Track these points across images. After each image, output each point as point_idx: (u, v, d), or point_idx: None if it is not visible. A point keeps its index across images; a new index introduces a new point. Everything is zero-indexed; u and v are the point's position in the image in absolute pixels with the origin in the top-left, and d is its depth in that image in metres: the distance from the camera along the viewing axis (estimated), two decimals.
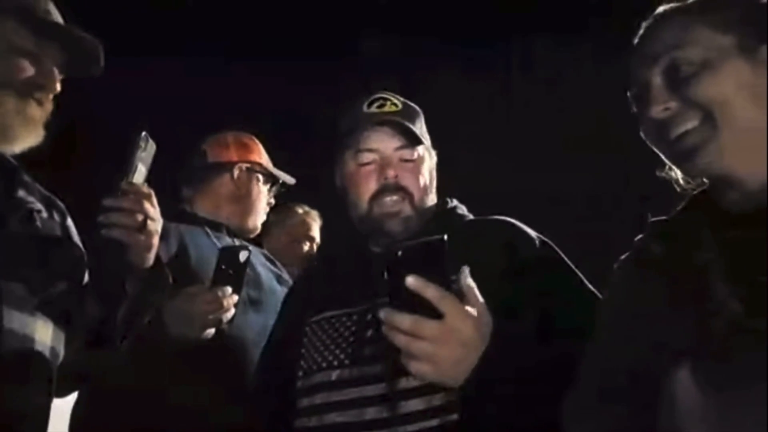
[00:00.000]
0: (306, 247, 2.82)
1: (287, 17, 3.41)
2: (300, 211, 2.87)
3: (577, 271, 1.36)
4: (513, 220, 1.43)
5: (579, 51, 3.33)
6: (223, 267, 1.56)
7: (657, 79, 0.97)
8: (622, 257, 1.09)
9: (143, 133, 1.27)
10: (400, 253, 1.00)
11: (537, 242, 1.38)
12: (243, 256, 1.57)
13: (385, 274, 1.01)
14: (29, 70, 1.24)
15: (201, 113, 3.07)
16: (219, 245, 1.82)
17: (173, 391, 1.56)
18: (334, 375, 1.30)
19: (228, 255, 1.58)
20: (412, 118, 1.48)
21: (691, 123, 0.93)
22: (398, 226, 1.41)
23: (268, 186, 2.12)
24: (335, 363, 1.32)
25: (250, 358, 1.68)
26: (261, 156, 2.13)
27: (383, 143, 1.44)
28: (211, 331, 1.53)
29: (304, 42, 3.44)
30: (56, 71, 1.29)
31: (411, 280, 0.96)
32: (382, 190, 1.41)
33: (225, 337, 1.59)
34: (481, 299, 1.03)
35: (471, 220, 1.49)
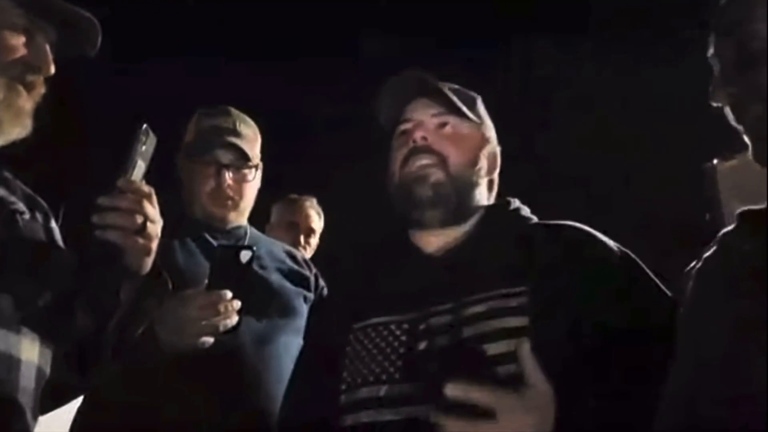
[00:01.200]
0: (303, 237, 2.74)
1: (288, 17, 3.41)
2: (299, 200, 2.81)
3: (660, 284, 1.22)
4: (587, 228, 1.29)
5: (579, 51, 3.32)
6: (221, 268, 1.38)
7: (727, 52, 0.93)
8: (704, 255, 0.99)
9: (143, 126, 1.14)
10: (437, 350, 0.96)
11: (617, 252, 1.25)
12: (245, 256, 1.37)
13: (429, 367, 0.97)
14: (21, 50, 1.12)
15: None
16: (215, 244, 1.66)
17: (165, 403, 1.41)
18: (383, 391, 1.16)
19: (226, 255, 1.39)
20: (461, 96, 1.35)
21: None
22: (428, 190, 1.26)
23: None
24: (384, 377, 1.17)
25: (247, 367, 1.53)
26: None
27: (420, 110, 1.33)
28: (208, 339, 1.33)
29: (304, 42, 3.43)
30: (49, 50, 1.17)
31: (451, 391, 0.89)
32: (411, 153, 1.29)
33: (219, 346, 1.37)
34: (538, 373, 0.97)
35: (538, 224, 1.34)
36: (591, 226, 1.29)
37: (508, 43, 3.57)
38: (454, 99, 1.30)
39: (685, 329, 0.96)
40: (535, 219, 1.35)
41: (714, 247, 0.98)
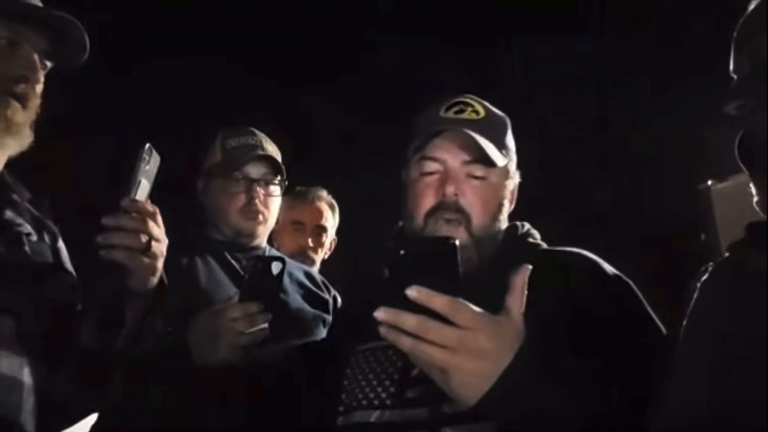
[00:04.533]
0: (312, 238, 2.36)
1: (289, 16, 3.41)
2: (311, 194, 2.42)
3: (654, 316, 1.20)
4: (592, 256, 1.27)
5: (580, 51, 3.32)
6: (253, 280, 1.36)
7: (741, 66, 0.92)
8: (712, 267, 0.96)
9: (147, 145, 1.12)
10: (403, 252, 0.89)
11: (616, 282, 1.23)
12: (276, 267, 1.36)
13: (386, 272, 0.90)
14: (5, 60, 1.09)
15: (201, 113, 3.07)
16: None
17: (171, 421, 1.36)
18: (374, 416, 1.16)
19: (258, 267, 1.37)
20: (493, 131, 1.29)
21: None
22: None
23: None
24: (376, 402, 1.16)
25: (257, 389, 1.45)
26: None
27: (450, 154, 1.26)
28: (239, 353, 1.32)
29: (305, 41, 3.43)
30: (37, 59, 1.13)
31: (413, 293, 0.85)
32: (439, 207, 1.25)
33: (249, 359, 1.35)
34: (517, 310, 0.91)
35: (546, 251, 1.31)
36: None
37: (508, 43, 3.56)
38: (485, 147, 1.25)
39: (687, 341, 0.95)
40: (543, 244, 1.33)
41: (722, 260, 0.96)
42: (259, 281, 1.35)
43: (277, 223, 2.00)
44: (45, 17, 1.14)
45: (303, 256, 2.30)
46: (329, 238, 2.45)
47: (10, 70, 1.10)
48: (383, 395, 1.17)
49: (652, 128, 2.83)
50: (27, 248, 1.11)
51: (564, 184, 3.05)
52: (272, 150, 1.81)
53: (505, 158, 1.31)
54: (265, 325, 1.33)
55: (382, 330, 0.88)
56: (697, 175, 2.74)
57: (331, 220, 2.45)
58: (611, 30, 3.11)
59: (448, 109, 1.31)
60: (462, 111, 1.31)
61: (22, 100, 1.12)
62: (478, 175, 1.27)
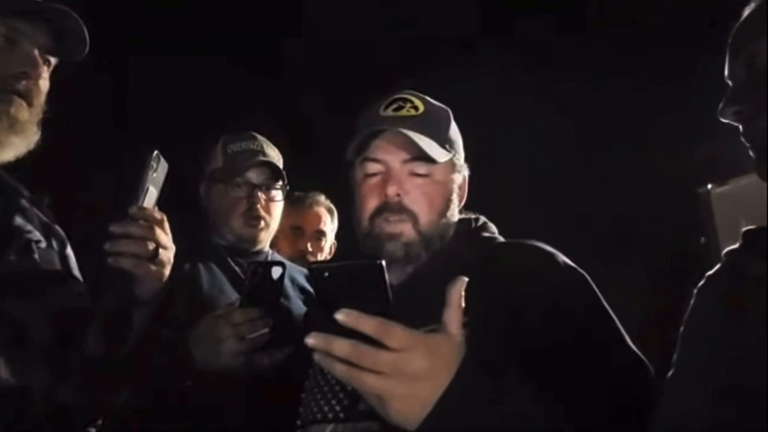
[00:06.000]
0: (311, 243, 2.35)
1: (289, 16, 3.41)
2: (309, 199, 2.41)
3: (608, 310, 1.18)
4: (546, 247, 1.25)
5: (580, 51, 3.32)
6: (253, 285, 1.34)
7: (737, 72, 0.92)
8: (708, 273, 0.96)
9: (155, 153, 1.12)
10: (327, 274, 0.84)
11: (569, 274, 1.21)
12: (276, 272, 1.35)
13: (314, 295, 0.87)
14: (3, 58, 1.07)
15: (201, 114, 3.07)
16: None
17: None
18: (328, 430, 1.14)
19: (258, 272, 1.36)
20: (433, 126, 1.27)
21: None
22: (399, 249, 1.23)
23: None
24: (330, 416, 1.14)
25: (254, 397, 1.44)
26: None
27: (391, 154, 1.25)
28: (242, 358, 1.32)
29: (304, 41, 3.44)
30: (38, 55, 1.11)
31: (341, 317, 0.81)
32: (383, 209, 1.24)
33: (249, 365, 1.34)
34: (455, 325, 0.87)
35: (500, 243, 1.29)
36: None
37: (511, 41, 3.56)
38: (424, 145, 1.23)
39: (684, 346, 0.95)
40: (499, 238, 1.31)
41: (718, 266, 0.96)
42: (260, 286, 1.34)
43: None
44: (42, 11, 1.12)
45: (302, 261, 2.28)
46: (328, 242, 2.45)
47: (11, 67, 1.09)
48: (337, 408, 1.15)
49: (653, 129, 2.84)
50: (36, 256, 1.10)
51: (563, 184, 3.06)
52: (273, 155, 1.81)
53: (449, 152, 1.28)
54: (266, 330, 1.33)
55: (316, 356, 0.84)
56: (697, 178, 2.75)
57: (330, 225, 2.44)
58: (611, 30, 3.12)
59: (387, 107, 1.29)
60: (400, 108, 1.29)
61: (26, 97, 1.10)
62: (421, 173, 1.25)
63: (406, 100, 1.30)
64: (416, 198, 1.24)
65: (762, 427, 0.78)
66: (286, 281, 1.53)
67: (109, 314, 1.13)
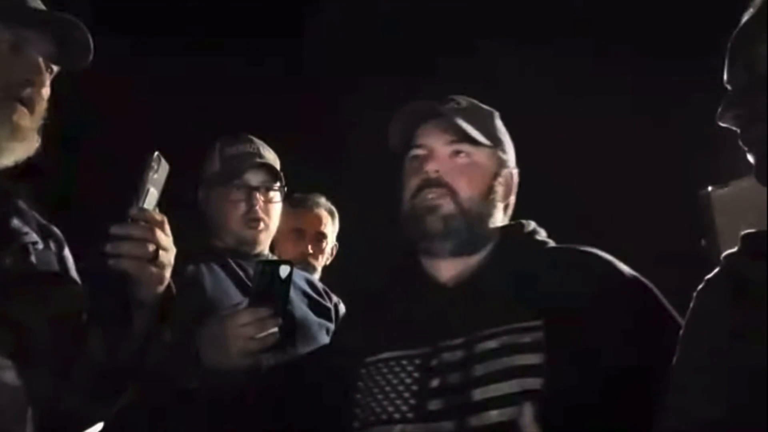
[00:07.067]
0: (312, 245, 2.35)
1: (290, 16, 3.41)
2: (309, 201, 2.41)
3: (676, 317, 1.15)
4: (606, 255, 1.24)
5: (580, 51, 3.32)
6: (261, 285, 1.34)
7: (736, 76, 0.92)
8: (708, 277, 0.97)
9: (155, 154, 1.11)
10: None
11: (634, 284, 1.20)
12: (284, 271, 1.32)
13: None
14: (9, 65, 1.08)
15: (201, 115, 3.07)
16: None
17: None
18: (396, 430, 1.13)
19: (266, 271, 1.34)
20: (476, 117, 1.30)
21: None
22: (438, 222, 1.23)
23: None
24: (397, 416, 1.14)
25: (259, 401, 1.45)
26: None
27: (433, 137, 1.29)
28: (251, 359, 1.31)
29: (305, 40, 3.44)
30: (42, 62, 1.11)
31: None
32: (423, 186, 1.26)
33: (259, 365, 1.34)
34: None
35: (553, 248, 1.29)
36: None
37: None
38: (466, 128, 1.26)
39: (684, 350, 0.95)
40: (551, 242, 1.31)
41: (717, 269, 0.97)
42: (268, 285, 1.32)
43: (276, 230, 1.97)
44: (48, 20, 1.12)
45: (304, 263, 2.29)
46: (330, 244, 2.45)
47: (15, 74, 1.09)
48: (403, 408, 1.14)
49: (652, 131, 2.84)
50: (33, 258, 1.09)
51: (563, 184, 3.06)
52: (270, 157, 1.82)
53: (491, 142, 1.31)
54: (275, 329, 1.31)
55: None
56: (697, 180, 2.75)
57: (330, 227, 2.44)
58: (611, 30, 3.12)
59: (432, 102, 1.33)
60: (446, 104, 1.33)
61: (29, 104, 1.10)
62: (462, 152, 1.28)
63: (451, 99, 1.34)
64: (455, 174, 1.27)
65: (762, 429, 0.79)
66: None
67: (110, 317, 1.12)
